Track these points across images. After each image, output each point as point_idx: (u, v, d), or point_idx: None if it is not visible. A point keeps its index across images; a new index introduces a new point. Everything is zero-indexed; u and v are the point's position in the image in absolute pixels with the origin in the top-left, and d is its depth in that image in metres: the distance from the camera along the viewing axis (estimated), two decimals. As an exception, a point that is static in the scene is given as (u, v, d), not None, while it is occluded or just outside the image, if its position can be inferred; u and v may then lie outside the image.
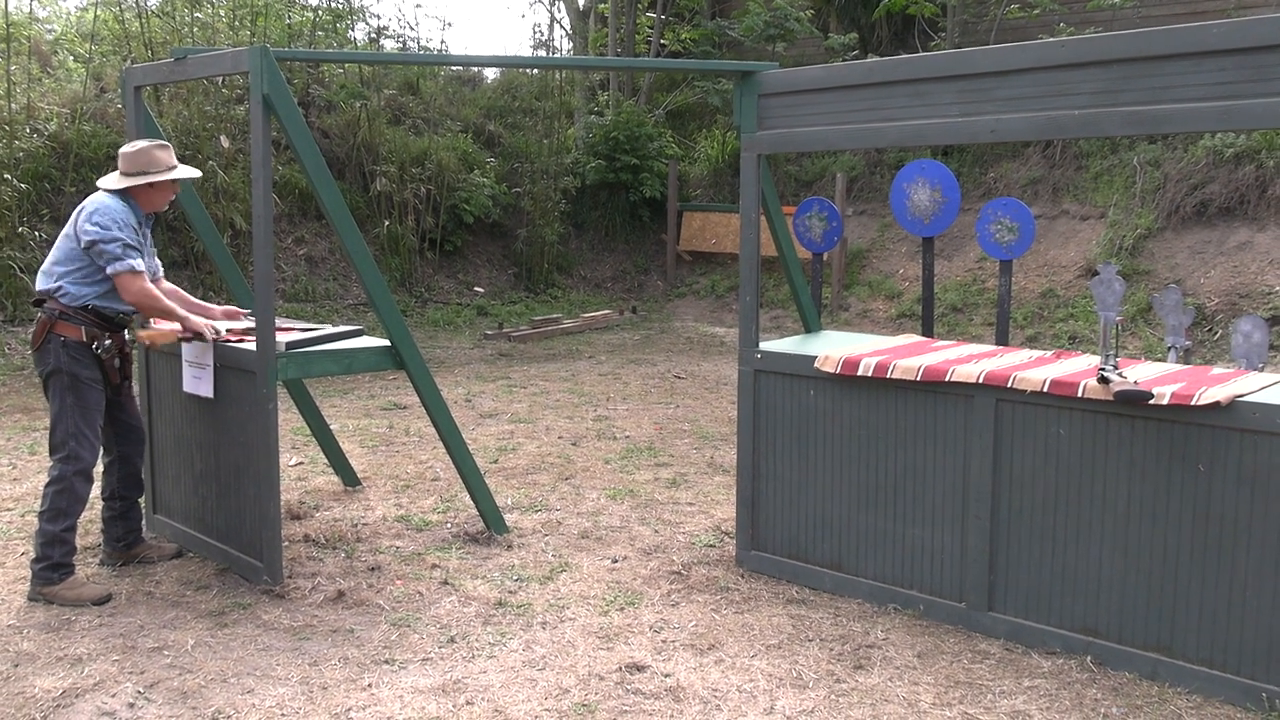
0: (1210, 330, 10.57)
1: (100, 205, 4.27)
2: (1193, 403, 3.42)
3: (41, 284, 4.37)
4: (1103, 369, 3.74)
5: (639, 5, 16.53)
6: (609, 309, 13.31)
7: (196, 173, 4.63)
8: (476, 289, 13.36)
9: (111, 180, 4.39)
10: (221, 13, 13.65)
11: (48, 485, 4.30)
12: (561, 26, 18.38)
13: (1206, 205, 11.49)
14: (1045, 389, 3.76)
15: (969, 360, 4.18)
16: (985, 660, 3.74)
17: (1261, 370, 7.01)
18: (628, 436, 7.20)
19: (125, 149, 4.39)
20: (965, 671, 3.65)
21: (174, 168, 4.44)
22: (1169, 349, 7.99)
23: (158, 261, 4.66)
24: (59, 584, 4.25)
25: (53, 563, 4.26)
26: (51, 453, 4.34)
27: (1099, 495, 3.70)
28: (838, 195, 13.15)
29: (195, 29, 12.86)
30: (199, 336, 4.46)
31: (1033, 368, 3.99)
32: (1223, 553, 3.45)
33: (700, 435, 7.26)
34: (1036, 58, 3.76)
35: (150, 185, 4.38)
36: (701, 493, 5.83)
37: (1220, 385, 3.56)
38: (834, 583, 4.40)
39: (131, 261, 4.21)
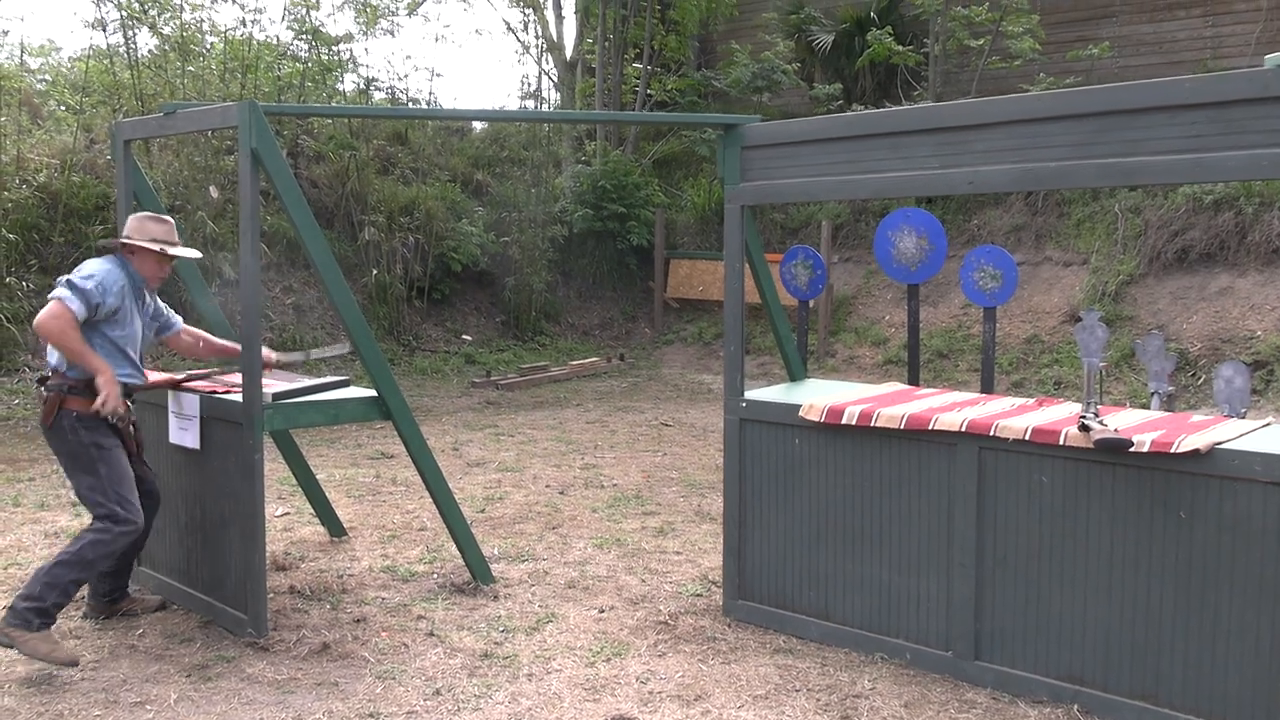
0: (1194, 375, 10.64)
1: (90, 262, 4.38)
2: (1173, 450, 3.46)
3: (49, 359, 4.36)
4: (1084, 417, 3.78)
5: (626, 56, 16.74)
6: (597, 357, 13.34)
7: (194, 253, 4.70)
8: (465, 337, 13.39)
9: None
10: (212, 65, 13.80)
11: (86, 531, 4.17)
12: (549, 77, 18.61)
13: (1187, 251, 11.63)
14: (1027, 437, 3.79)
15: (952, 408, 4.21)
16: (972, 710, 3.74)
17: (1243, 416, 7.07)
18: (615, 485, 7.20)
19: (132, 215, 4.53)
20: (952, 721, 3.64)
21: (165, 244, 4.47)
22: (1152, 394, 8.05)
23: (174, 317, 4.80)
24: (35, 632, 4.00)
25: (41, 607, 4.01)
26: (95, 521, 4.22)
27: (1082, 543, 3.72)
28: (823, 243, 13.27)
29: (186, 81, 12.99)
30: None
31: (1015, 415, 4.02)
32: (1205, 599, 3.47)
33: (688, 483, 7.26)
34: (1014, 111, 3.84)
35: (139, 251, 4.43)
36: (689, 541, 5.82)
37: (1200, 433, 3.60)
38: (821, 632, 4.39)
39: (65, 291, 4.15)
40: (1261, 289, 11.10)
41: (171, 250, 4.44)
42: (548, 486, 7.12)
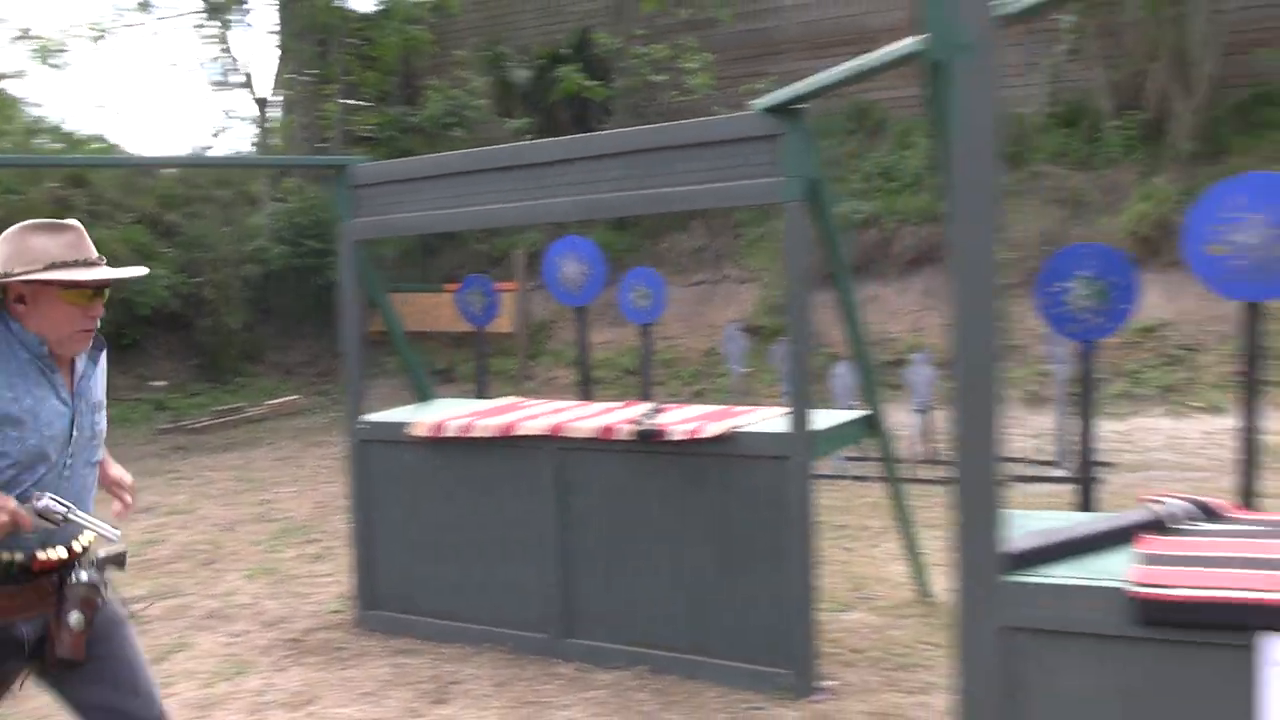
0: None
1: None
2: (699, 436, 4.05)
3: None
4: (643, 415, 4.33)
5: (324, 92, 16.71)
6: (298, 394, 13.25)
7: (135, 271, 2.56)
8: (156, 383, 12.97)
9: None
10: None
11: None
12: (242, 115, 18.26)
13: (842, 265, 12.90)
14: (593, 435, 4.30)
15: (540, 416, 4.69)
16: (556, 681, 4.19)
17: (855, 406, 8.04)
18: (287, 517, 7.31)
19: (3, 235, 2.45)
20: (535, 693, 4.08)
21: (69, 264, 2.39)
22: (783, 394, 8.96)
23: (98, 423, 2.53)
24: None
25: None
26: None
27: (643, 524, 4.26)
28: (518, 270, 13.77)
29: None
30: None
31: (589, 418, 4.53)
32: (735, 562, 4.07)
33: (360, 509, 7.47)
34: (580, 149, 4.37)
35: (19, 293, 2.38)
36: (342, 563, 6.04)
37: (727, 419, 4.22)
38: (440, 631, 4.74)
39: None
40: (900, 296, 12.50)
41: (90, 275, 2.40)
42: (214, 525, 7.14)
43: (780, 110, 3.92)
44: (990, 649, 2.03)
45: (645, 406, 4.75)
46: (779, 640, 3.98)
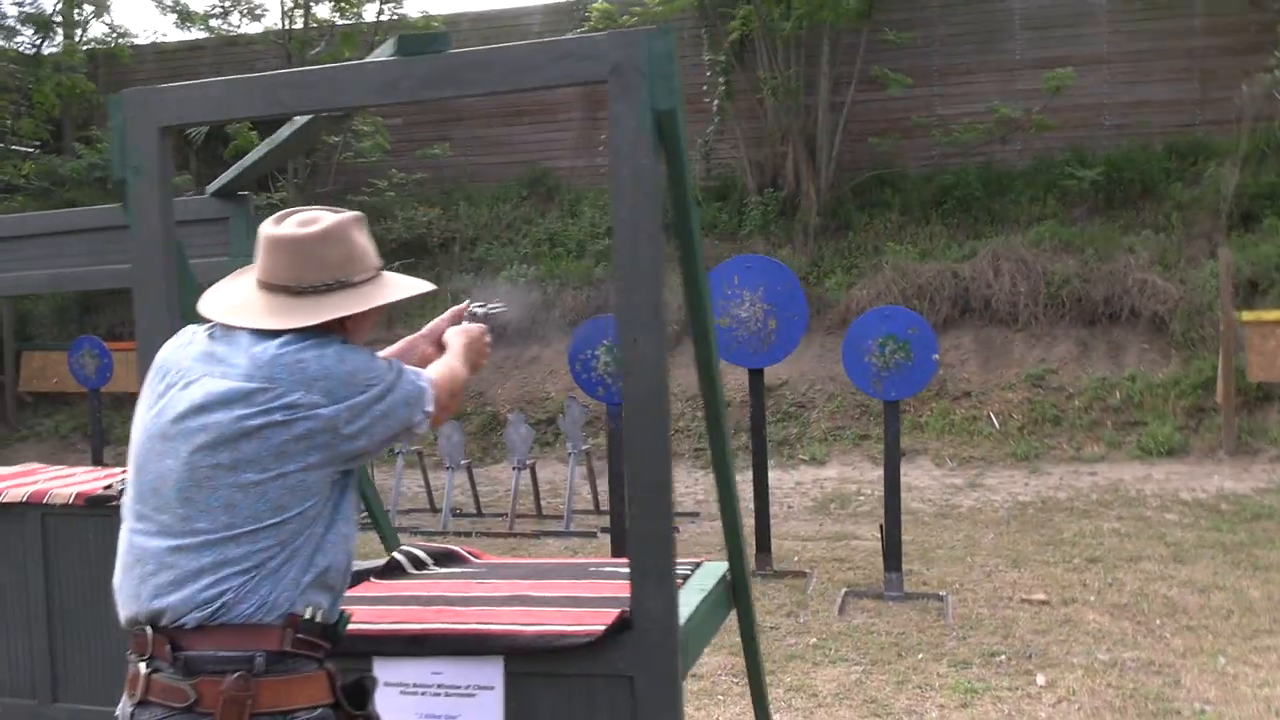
0: (501, 433, 12.25)
1: (323, 349, 1.94)
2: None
3: (166, 596, 1.99)
4: (120, 480, 4.46)
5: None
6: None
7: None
8: None
9: (270, 308, 1.98)
10: None
11: None
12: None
13: (505, 327, 13.38)
14: (71, 501, 4.40)
15: (37, 483, 4.72)
16: (26, 747, 4.22)
17: (462, 466, 8.39)
18: None
19: (280, 229, 2.01)
20: (-7, 760, 4.09)
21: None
22: (398, 454, 9.24)
23: None
24: None
25: None
26: None
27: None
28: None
29: None
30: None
31: (77, 483, 4.61)
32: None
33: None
34: (48, 225, 4.50)
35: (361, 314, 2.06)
36: None
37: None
38: (-73, 705, 4.65)
39: (422, 383, 2.06)
40: (559, 356, 13.09)
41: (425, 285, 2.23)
42: None
43: (227, 194, 4.18)
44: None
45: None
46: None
